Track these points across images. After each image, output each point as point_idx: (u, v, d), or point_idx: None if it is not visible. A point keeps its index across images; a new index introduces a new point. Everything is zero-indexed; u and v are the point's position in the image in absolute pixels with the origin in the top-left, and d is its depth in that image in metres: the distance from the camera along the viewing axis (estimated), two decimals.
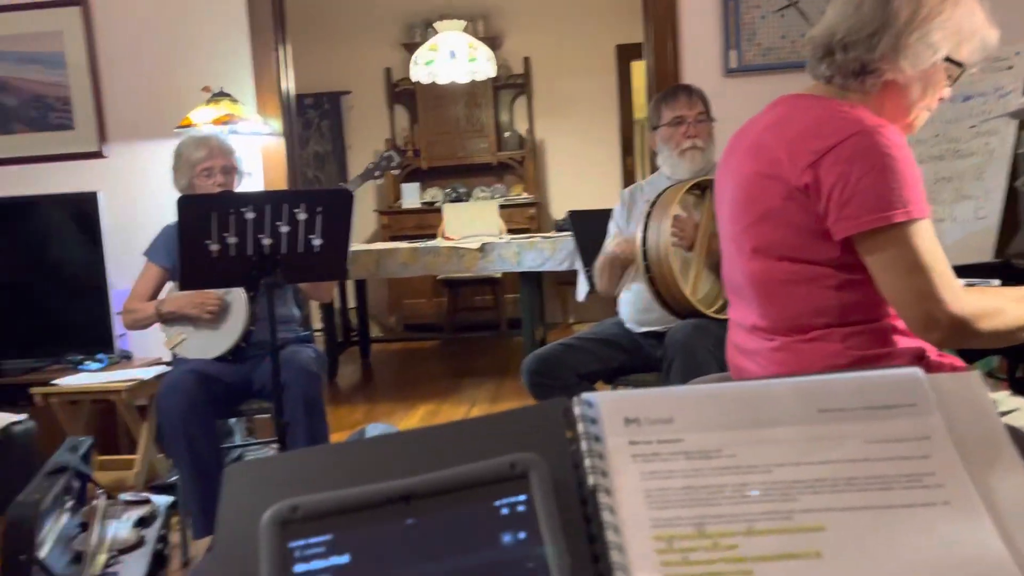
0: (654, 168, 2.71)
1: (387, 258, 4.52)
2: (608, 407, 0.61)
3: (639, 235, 2.29)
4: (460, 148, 6.47)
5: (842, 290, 1.34)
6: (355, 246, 4.39)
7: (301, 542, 0.56)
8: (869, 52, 1.33)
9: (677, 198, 2.28)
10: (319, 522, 0.57)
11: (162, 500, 2.61)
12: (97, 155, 3.52)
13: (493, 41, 6.15)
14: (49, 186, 3.45)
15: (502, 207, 5.56)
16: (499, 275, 5.50)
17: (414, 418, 4.00)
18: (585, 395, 0.62)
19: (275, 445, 2.32)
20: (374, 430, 2.89)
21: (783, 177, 1.33)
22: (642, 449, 0.60)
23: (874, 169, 1.25)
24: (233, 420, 3.21)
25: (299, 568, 0.55)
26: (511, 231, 5.27)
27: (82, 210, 3.32)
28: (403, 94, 6.53)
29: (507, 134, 6.50)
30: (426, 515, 0.58)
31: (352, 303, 5.60)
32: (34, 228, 3.36)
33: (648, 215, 2.29)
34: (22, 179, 3.52)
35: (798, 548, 0.56)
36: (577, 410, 0.61)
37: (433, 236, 5.19)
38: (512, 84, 6.42)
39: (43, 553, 2.13)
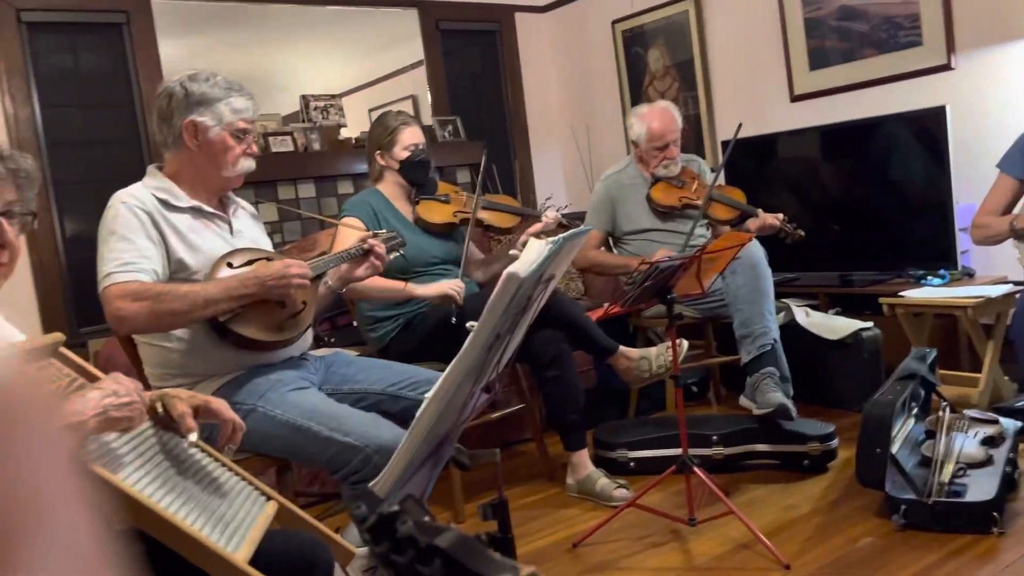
0: None
1: None
2: None
3: None
4: None
5: None
6: None
7: None
8: None
9: None
10: None
11: (1010, 423, 2.51)
12: (945, 68, 3.46)
13: None
14: (893, 105, 3.55)
15: None
16: None
17: None
18: None
19: None
20: None
21: None
22: None
23: None
24: None
25: None
26: None
27: (927, 126, 3.34)
28: None
29: None
30: None
31: None
32: (878, 147, 3.53)
33: None
34: (867, 101, 3.71)
35: None
36: None
37: None
38: None
39: (894, 449, 2.30)
